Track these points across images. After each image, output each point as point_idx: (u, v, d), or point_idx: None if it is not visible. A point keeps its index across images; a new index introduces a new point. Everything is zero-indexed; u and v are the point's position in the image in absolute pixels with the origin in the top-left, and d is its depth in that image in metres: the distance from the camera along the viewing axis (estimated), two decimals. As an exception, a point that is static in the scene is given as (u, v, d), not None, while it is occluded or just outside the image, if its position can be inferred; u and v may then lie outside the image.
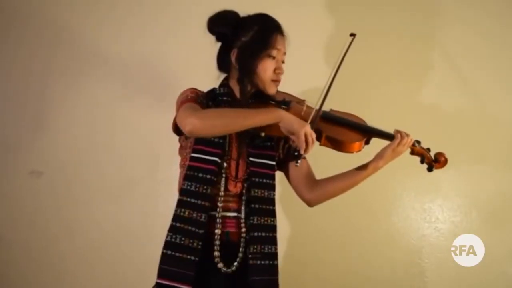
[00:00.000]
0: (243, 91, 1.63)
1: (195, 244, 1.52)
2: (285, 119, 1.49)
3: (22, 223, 2.46)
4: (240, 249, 1.60)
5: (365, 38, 2.27)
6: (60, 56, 2.49)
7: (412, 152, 1.71)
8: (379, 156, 1.64)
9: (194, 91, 1.64)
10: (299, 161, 1.53)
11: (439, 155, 1.71)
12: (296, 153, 1.51)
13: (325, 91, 1.60)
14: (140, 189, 2.48)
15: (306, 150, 1.47)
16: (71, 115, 2.50)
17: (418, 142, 1.70)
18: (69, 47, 2.50)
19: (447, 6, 2.55)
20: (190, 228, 1.53)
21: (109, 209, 2.47)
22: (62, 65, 2.50)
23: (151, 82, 2.50)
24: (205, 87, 1.71)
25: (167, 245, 1.55)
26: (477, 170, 2.47)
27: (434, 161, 1.70)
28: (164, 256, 1.55)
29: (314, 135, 1.49)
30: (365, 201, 2.47)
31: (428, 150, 1.71)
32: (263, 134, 1.58)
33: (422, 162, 1.72)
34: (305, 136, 1.47)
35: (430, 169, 1.72)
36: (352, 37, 1.65)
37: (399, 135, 1.63)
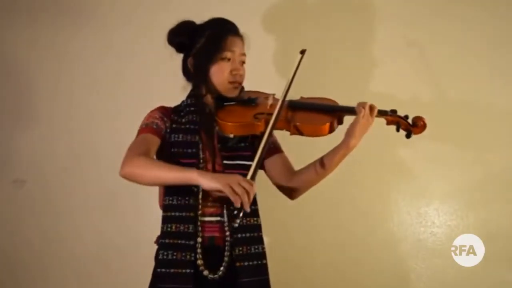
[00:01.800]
0: (198, 97, 1.64)
1: (188, 256, 1.53)
2: (202, 179, 1.41)
3: (4, 234, 2.43)
4: (225, 253, 1.58)
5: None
6: (41, 58, 2.48)
7: (387, 122, 1.66)
8: (348, 134, 1.60)
9: (153, 115, 1.64)
10: (237, 221, 1.39)
11: (417, 119, 1.64)
12: (235, 212, 1.36)
13: (283, 95, 1.58)
14: (126, 199, 2.45)
15: (242, 203, 1.34)
16: (54, 122, 2.48)
17: (394, 111, 1.65)
18: (49, 50, 2.48)
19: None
20: (180, 241, 1.54)
21: (94, 220, 2.44)
22: (43, 69, 2.48)
23: (139, 87, 2.48)
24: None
25: (160, 263, 1.54)
26: (474, 172, 2.42)
27: (411, 126, 1.64)
28: (159, 275, 1.54)
29: (247, 183, 1.37)
30: (359, 206, 2.44)
31: (406, 117, 1.65)
32: (231, 135, 1.61)
33: (398, 129, 1.66)
34: (231, 188, 1.36)
35: (408, 135, 1.65)
36: (301, 55, 1.64)
37: (361, 107, 1.59)
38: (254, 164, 1.44)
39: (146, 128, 1.60)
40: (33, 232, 2.44)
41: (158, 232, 1.62)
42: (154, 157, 1.59)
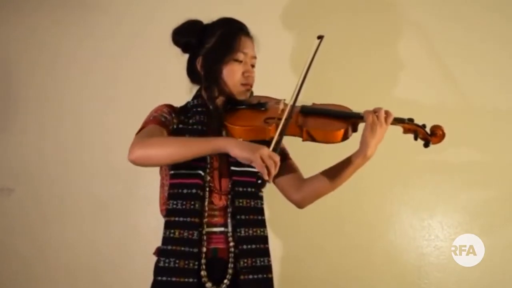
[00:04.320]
0: (210, 99, 1.60)
1: (191, 264, 1.47)
2: (231, 147, 1.41)
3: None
4: (229, 265, 1.53)
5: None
6: (27, 59, 2.45)
7: (404, 130, 1.62)
8: (362, 143, 1.54)
9: (161, 108, 1.61)
10: (262, 190, 1.42)
11: (435, 128, 1.59)
12: (259, 181, 1.37)
13: (295, 94, 1.54)
14: (119, 207, 2.41)
15: (269, 175, 1.35)
16: (43, 129, 2.45)
17: (411, 120, 1.60)
18: (34, 49, 2.46)
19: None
20: (183, 248, 1.48)
21: (84, 229, 2.40)
22: (33, 75, 2.45)
23: (131, 88, 2.44)
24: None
25: (161, 271, 1.49)
26: (479, 184, 2.38)
27: (430, 135, 1.59)
28: (158, 284, 1.48)
29: (275, 156, 1.37)
30: (360, 218, 2.40)
31: (424, 126, 1.61)
32: (241, 139, 1.54)
33: (415, 138, 1.60)
34: (262, 160, 1.36)
35: (426, 144, 1.60)
36: (319, 40, 1.60)
37: (369, 115, 1.53)
38: (275, 138, 1.43)
39: (154, 119, 1.55)
40: (21, 241, 2.41)
41: (152, 241, 1.58)
42: None
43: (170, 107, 1.63)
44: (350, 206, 2.35)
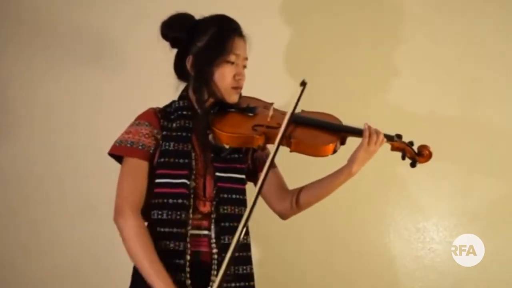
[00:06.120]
0: (199, 101, 1.55)
1: (177, 277, 1.44)
2: None
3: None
4: (212, 272, 1.50)
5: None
6: (17, 63, 2.43)
7: (392, 148, 1.62)
8: (352, 160, 1.55)
9: (139, 130, 1.53)
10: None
11: (422, 148, 1.60)
12: None
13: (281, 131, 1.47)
14: (108, 208, 2.26)
15: None
16: (31, 126, 2.42)
17: (399, 136, 1.60)
18: (25, 53, 2.43)
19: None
20: (169, 261, 1.44)
21: (73, 231, 2.38)
22: (20, 73, 2.42)
23: (122, 87, 2.42)
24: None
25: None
26: (476, 186, 2.36)
27: (417, 155, 1.60)
28: None
29: None
30: (354, 220, 2.38)
31: (411, 144, 1.61)
32: (227, 146, 1.55)
33: (403, 158, 1.61)
34: None
35: (413, 164, 1.61)
36: (302, 87, 1.53)
37: (367, 134, 1.53)
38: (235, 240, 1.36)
39: (131, 149, 1.50)
40: (9, 243, 2.38)
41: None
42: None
43: (150, 120, 1.55)
44: (343, 208, 2.33)
